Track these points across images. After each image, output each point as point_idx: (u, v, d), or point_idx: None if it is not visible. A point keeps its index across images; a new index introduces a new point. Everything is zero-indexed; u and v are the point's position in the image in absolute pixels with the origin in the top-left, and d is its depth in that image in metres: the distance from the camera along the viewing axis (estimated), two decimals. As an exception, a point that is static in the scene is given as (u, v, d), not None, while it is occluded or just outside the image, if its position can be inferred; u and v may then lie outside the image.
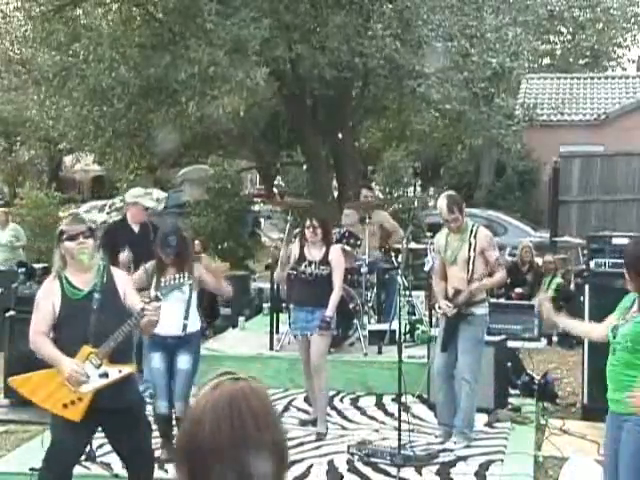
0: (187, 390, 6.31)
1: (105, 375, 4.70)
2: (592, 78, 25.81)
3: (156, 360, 6.29)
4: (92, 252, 4.80)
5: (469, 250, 6.50)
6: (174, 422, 6.47)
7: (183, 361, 6.25)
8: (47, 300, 4.71)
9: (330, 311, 6.71)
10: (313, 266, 6.77)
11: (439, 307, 6.69)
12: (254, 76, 12.64)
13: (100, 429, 4.94)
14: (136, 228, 8.29)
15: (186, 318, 6.20)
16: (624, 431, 4.36)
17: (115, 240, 8.04)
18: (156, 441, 6.31)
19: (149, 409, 7.17)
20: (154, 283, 6.19)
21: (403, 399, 6.47)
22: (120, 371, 4.76)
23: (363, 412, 7.65)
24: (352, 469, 6.14)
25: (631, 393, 4.33)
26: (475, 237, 6.53)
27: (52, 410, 4.70)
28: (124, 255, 7.71)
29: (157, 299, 4.88)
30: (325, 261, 6.78)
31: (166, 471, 6.11)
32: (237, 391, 1.74)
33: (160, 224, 8.26)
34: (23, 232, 13.71)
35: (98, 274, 4.78)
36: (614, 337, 4.44)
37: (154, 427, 6.60)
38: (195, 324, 6.35)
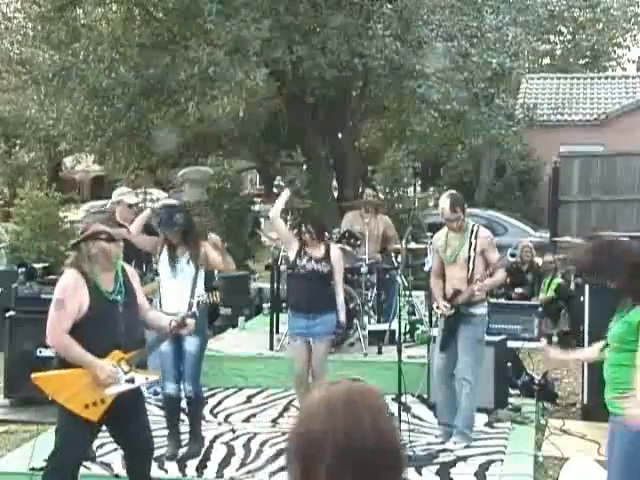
0: (196, 371, 6.38)
1: (131, 381, 4.75)
2: (592, 78, 25.82)
3: (164, 343, 6.29)
4: (120, 256, 4.90)
5: (469, 250, 6.50)
6: (184, 405, 6.56)
7: (191, 343, 6.26)
8: (74, 299, 4.65)
9: (342, 316, 6.84)
10: (314, 262, 6.75)
11: (437, 307, 6.70)
12: (253, 77, 12.64)
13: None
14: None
15: (192, 297, 6.13)
16: (613, 431, 4.37)
17: None
18: (157, 440, 6.32)
19: (149, 408, 7.18)
20: (166, 261, 6.30)
21: (403, 399, 6.46)
22: (147, 378, 4.83)
23: (363, 412, 7.63)
24: (352, 469, 6.12)
25: (619, 395, 4.31)
26: (476, 237, 6.53)
27: (74, 410, 4.69)
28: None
29: (194, 316, 5.16)
30: (326, 258, 6.77)
31: (166, 471, 6.11)
32: (354, 387, 1.73)
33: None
34: (5, 233, 13.69)
35: (118, 274, 4.82)
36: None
37: (159, 424, 6.63)
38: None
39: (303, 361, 6.79)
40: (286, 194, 7.13)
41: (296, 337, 6.86)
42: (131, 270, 5.08)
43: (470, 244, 6.52)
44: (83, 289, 4.66)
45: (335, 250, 6.96)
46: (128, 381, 4.74)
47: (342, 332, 6.79)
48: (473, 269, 6.48)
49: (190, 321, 5.14)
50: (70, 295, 4.67)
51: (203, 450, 6.46)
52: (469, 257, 6.49)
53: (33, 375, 4.91)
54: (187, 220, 6.38)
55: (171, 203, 7.41)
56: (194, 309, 5.29)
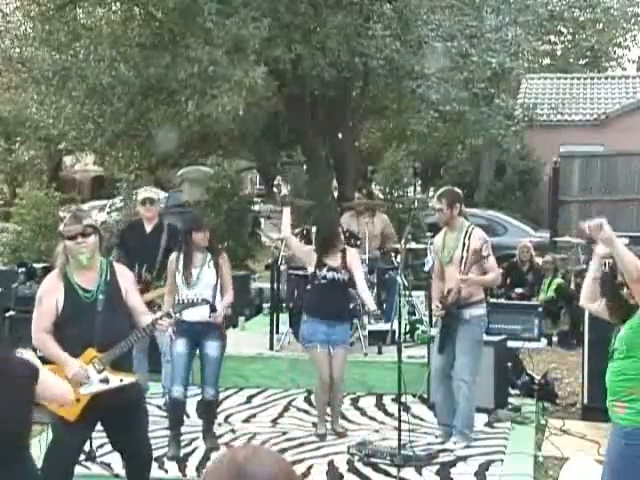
0: (217, 376, 6.46)
1: (105, 381, 4.70)
2: (592, 78, 25.82)
3: (180, 345, 6.37)
4: (92, 251, 4.73)
5: (462, 250, 6.52)
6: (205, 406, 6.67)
7: (212, 347, 6.36)
8: (50, 297, 4.67)
9: (373, 305, 7.24)
10: (333, 271, 6.80)
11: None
12: (252, 75, 12.63)
13: (100, 424, 4.93)
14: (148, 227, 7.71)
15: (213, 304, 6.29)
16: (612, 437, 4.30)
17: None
18: (157, 441, 6.32)
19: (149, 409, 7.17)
20: (182, 269, 6.36)
21: (403, 399, 6.47)
22: (121, 380, 4.76)
23: (363, 412, 7.65)
24: (352, 469, 6.14)
25: (619, 403, 4.22)
26: (469, 238, 6.56)
27: (48, 406, 4.69)
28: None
29: (169, 315, 5.01)
30: (343, 266, 6.83)
31: (166, 471, 6.11)
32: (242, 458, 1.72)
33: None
34: None
35: (102, 272, 4.77)
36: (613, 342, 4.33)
37: (159, 425, 6.63)
38: (220, 309, 6.40)
39: (327, 368, 6.82)
40: (287, 212, 7.26)
41: (316, 344, 6.85)
42: (121, 269, 5.01)
43: (464, 245, 6.54)
44: (59, 288, 4.68)
45: (351, 253, 7.03)
46: (102, 381, 4.68)
47: (379, 316, 7.41)
48: (465, 269, 6.49)
49: (167, 321, 4.98)
50: (47, 293, 4.71)
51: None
52: (462, 257, 6.51)
53: None
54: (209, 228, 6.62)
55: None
56: (170, 309, 5.22)
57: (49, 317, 4.67)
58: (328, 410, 7.00)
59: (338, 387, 6.90)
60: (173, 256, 6.55)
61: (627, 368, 4.21)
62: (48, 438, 4.97)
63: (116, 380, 4.73)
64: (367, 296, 7.12)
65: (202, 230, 6.47)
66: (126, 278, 4.95)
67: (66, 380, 4.63)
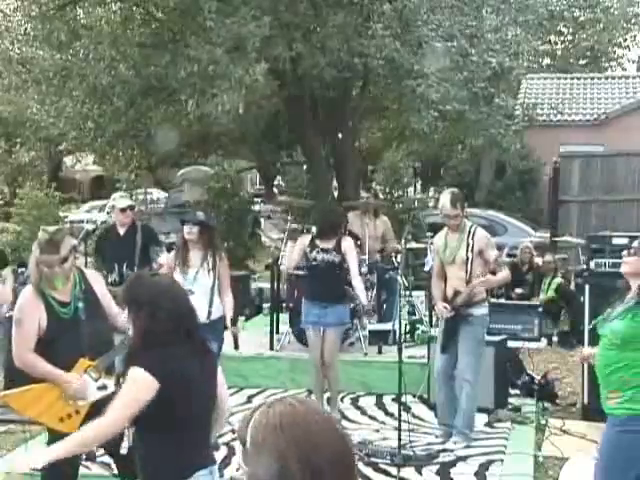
0: None
1: (104, 387, 4.67)
2: (592, 78, 25.82)
3: None
4: (68, 275, 4.71)
5: (467, 250, 6.51)
6: None
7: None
8: (32, 317, 4.60)
9: (365, 299, 7.16)
10: (323, 253, 6.88)
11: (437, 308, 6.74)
12: (253, 72, 12.62)
13: None
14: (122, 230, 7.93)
15: (210, 305, 6.35)
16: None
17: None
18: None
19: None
20: (179, 264, 6.46)
21: (403, 399, 6.47)
22: (118, 382, 4.75)
23: (363, 412, 7.65)
24: (352, 469, 6.12)
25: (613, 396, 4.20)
26: (473, 238, 6.54)
27: (48, 424, 4.65)
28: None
29: None
30: (336, 249, 6.90)
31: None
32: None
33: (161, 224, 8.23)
34: None
35: (76, 283, 4.75)
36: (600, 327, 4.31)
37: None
38: (218, 310, 6.46)
39: (318, 350, 6.98)
40: (291, 247, 7.36)
41: (309, 326, 7.02)
42: (91, 273, 5.03)
43: (468, 245, 6.53)
44: (39, 307, 4.62)
45: (346, 240, 7.11)
46: (100, 388, 4.65)
47: (369, 311, 7.42)
48: (471, 270, 6.48)
49: None
50: (28, 315, 4.62)
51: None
52: (467, 258, 6.50)
53: (1, 394, 4.86)
54: (207, 221, 6.57)
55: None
56: None
57: (33, 337, 4.59)
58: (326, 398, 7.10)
59: (329, 369, 6.99)
60: (172, 252, 6.63)
61: (629, 360, 4.19)
62: (46, 438, 4.95)
63: (112, 384, 4.72)
64: (359, 284, 7.08)
65: (186, 223, 6.45)
66: (98, 282, 4.98)
67: (62, 396, 4.60)
